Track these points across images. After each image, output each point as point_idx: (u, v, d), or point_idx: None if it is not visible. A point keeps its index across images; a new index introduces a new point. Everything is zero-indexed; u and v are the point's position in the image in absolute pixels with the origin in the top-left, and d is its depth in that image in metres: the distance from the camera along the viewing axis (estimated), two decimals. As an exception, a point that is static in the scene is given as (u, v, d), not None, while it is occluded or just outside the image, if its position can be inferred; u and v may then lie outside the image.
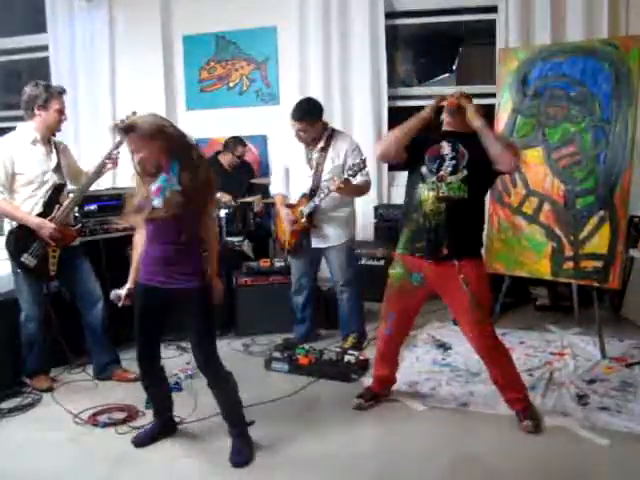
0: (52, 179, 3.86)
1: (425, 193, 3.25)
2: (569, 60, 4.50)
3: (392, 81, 6.37)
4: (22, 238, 3.79)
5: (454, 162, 3.23)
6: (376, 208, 6.11)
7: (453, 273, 3.23)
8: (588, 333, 4.62)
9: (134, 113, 3.89)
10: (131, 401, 3.71)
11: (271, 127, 6.34)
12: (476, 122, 3.19)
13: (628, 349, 4.43)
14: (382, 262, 5.66)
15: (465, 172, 3.22)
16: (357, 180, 4.29)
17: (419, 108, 6.37)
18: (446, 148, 3.28)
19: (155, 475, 3.03)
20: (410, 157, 3.36)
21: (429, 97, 6.41)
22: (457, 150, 3.25)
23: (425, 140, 3.35)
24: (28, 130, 3.84)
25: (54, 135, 3.96)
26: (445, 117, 3.35)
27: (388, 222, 5.99)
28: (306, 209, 4.35)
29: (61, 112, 3.89)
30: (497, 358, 3.38)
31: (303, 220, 4.39)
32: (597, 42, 4.69)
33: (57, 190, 3.87)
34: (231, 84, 6.72)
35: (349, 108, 6.24)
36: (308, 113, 4.36)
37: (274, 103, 6.55)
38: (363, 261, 5.73)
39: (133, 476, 3.02)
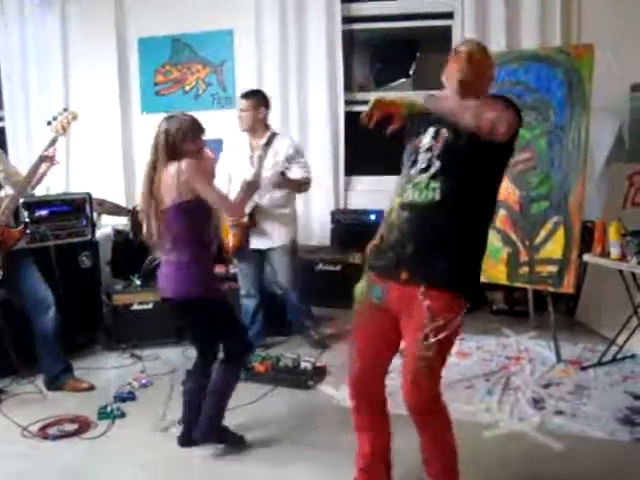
0: None
1: (393, 200, 2.50)
2: (524, 67, 4.54)
3: (349, 86, 6.37)
4: None
5: (428, 154, 2.39)
6: (333, 213, 6.10)
7: (416, 296, 2.32)
8: (544, 337, 4.66)
9: (65, 110, 3.89)
10: (83, 412, 3.61)
11: (227, 131, 6.26)
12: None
13: (582, 352, 4.48)
14: (339, 267, 5.65)
15: (437, 164, 2.35)
16: (295, 174, 4.33)
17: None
18: (427, 137, 2.44)
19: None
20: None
21: (386, 102, 6.45)
22: (435, 136, 2.41)
23: (412, 129, 2.56)
24: None
25: None
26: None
27: (345, 227, 5.97)
28: (247, 208, 4.25)
29: None
30: (432, 428, 2.50)
31: (244, 220, 4.34)
32: (550, 50, 4.75)
33: None
34: (187, 88, 6.63)
35: (306, 113, 6.21)
36: (255, 93, 4.51)
37: (230, 107, 6.45)
38: (320, 267, 5.70)
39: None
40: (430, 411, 2.44)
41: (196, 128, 3.04)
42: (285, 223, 4.50)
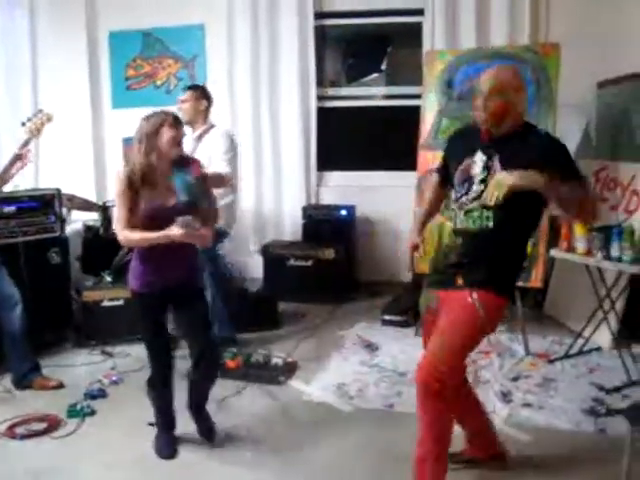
0: None
1: (447, 224, 2.80)
2: (492, 64, 4.55)
3: (321, 81, 6.37)
4: None
5: (482, 186, 2.54)
6: (304, 209, 6.11)
7: (465, 297, 2.54)
8: (513, 330, 4.72)
9: (40, 111, 3.84)
10: (53, 410, 3.56)
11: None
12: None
13: (550, 345, 4.55)
14: (310, 263, 5.67)
15: (480, 200, 2.54)
16: (212, 169, 4.09)
17: (348, 108, 6.46)
18: (478, 164, 2.60)
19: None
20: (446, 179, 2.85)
21: (358, 97, 6.48)
22: (489, 166, 2.56)
23: (457, 152, 2.73)
24: None
25: None
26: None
27: (316, 223, 5.99)
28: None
29: None
30: (435, 407, 2.57)
31: None
32: (519, 48, 4.81)
33: None
34: (158, 82, 6.59)
35: (277, 108, 6.21)
36: (197, 87, 4.59)
37: (202, 102, 6.46)
38: (291, 262, 5.71)
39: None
40: (438, 380, 2.50)
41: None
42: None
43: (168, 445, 3.18)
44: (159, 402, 3.21)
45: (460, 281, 2.60)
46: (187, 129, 4.23)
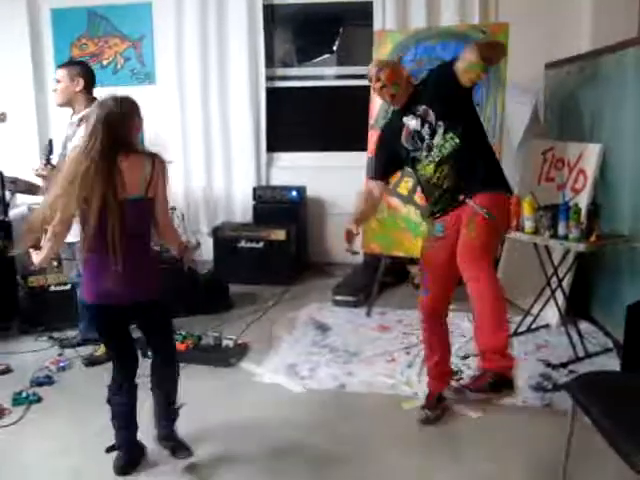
0: None
1: (428, 170, 3.13)
2: (441, 44, 4.59)
3: (271, 61, 6.31)
4: None
5: (427, 125, 3.12)
6: (255, 190, 6.06)
7: (468, 206, 3.02)
8: (462, 310, 4.75)
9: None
10: (-5, 398, 3.49)
11: (147, 107, 6.09)
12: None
13: (499, 323, 4.60)
14: (261, 244, 5.64)
15: (441, 123, 3.09)
16: None
17: (298, 89, 6.40)
18: (411, 121, 3.17)
19: (23, 477, 2.88)
20: (397, 159, 3.31)
21: (308, 77, 6.43)
22: (419, 115, 3.14)
23: (392, 132, 3.29)
24: None
25: None
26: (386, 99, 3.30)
27: (267, 204, 5.96)
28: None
29: None
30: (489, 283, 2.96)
31: None
32: (468, 27, 4.82)
33: None
34: (104, 62, 6.44)
35: (226, 88, 6.12)
36: (73, 63, 4.15)
37: (150, 82, 6.34)
38: (242, 244, 5.67)
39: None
40: (481, 268, 2.94)
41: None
42: None
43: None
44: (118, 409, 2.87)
45: (462, 197, 3.04)
46: (67, 111, 4.01)
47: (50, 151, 3.88)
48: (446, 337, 3.40)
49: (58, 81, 3.92)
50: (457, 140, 3.06)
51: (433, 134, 3.10)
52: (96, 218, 2.53)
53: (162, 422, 2.94)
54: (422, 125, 3.13)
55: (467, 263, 2.98)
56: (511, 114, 5.08)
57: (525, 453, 2.96)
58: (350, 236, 3.16)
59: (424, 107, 3.13)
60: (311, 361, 4.00)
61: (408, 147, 3.19)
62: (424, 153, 3.14)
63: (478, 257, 2.96)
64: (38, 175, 3.83)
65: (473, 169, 3.07)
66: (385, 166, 3.39)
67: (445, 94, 3.10)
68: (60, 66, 4.04)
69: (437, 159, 3.10)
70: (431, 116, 3.11)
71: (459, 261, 3.00)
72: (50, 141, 3.91)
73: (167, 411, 2.93)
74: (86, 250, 2.67)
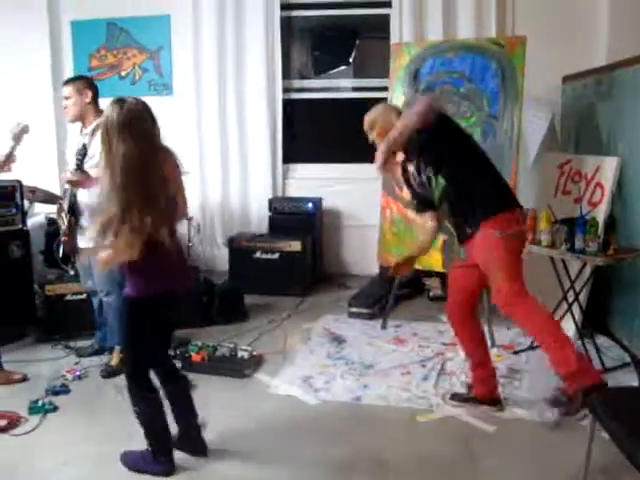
0: None
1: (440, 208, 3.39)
2: (459, 57, 4.60)
3: (287, 73, 6.34)
4: None
5: (423, 173, 3.33)
6: (270, 201, 6.08)
7: (478, 237, 3.20)
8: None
9: (19, 124, 3.80)
10: (14, 407, 3.49)
11: (164, 118, 6.15)
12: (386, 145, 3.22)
13: (515, 337, 4.57)
14: (276, 255, 5.65)
15: (430, 169, 3.28)
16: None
17: (314, 100, 6.44)
18: (409, 170, 3.42)
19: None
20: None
21: (325, 89, 6.46)
22: (415, 162, 3.35)
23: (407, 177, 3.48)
24: None
25: None
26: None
27: (283, 215, 5.97)
28: (65, 202, 4.02)
29: None
30: (523, 316, 3.19)
31: (64, 215, 4.02)
32: (485, 41, 4.82)
33: None
34: (123, 73, 6.50)
35: (243, 99, 6.17)
36: (78, 78, 4.16)
37: (167, 94, 6.40)
38: (257, 255, 5.69)
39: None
40: (511, 304, 3.15)
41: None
42: None
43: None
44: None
45: (469, 231, 3.23)
46: (78, 126, 4.09)
47: (83, 156, 3.93)
48: (474, 340, 3.51)
49: (67, 97, 3.97)
50: (443, 181, 3.23)
51: (429, 180, 3.30)
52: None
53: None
54: (419, 174, 3.34)
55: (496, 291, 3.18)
56: (528, 127, 5.07)
57: (543, 468, 2.92)
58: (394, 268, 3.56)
59: (414, 155, 3.34)
60: (326, 373, 4.00)
61: (420, 192, 3.43)
62: (418, 202, 3.47)
63: (506, 279, 3.14)
64: (69, 181, 3.86)
65: (468, 203, 3.22)
66: (422, 204, 3.51)
67: (424, 143, 3.22)
68: (65, 83, 4.07)
69: (438, 202, 3.33)
70: (422, 166, 3.31)
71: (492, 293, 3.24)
72: (84, 145, 3.96)
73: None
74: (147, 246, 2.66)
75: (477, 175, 3.25)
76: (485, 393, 3.48)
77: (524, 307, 3.15)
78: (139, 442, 2.92)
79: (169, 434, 2.93)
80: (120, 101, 2.74)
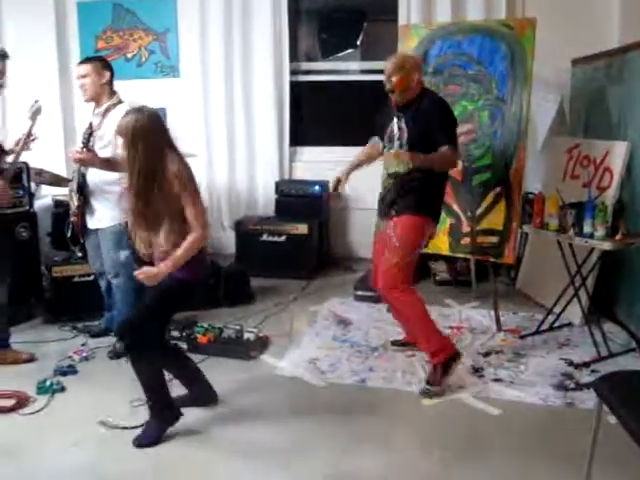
0: None
1: (386, 171, 3.70)
2: (468, 39, 4.56)
3: (295, 55, 6.31)
4: None
5: (398, 141, 3.56)
6: (277, 184, 6.07)
7: (389, 223, 3.63)
8: (485, 307, 4.75)
9: (36, 101, 3.82)
10: (22, 387, 3.51)
11: (171, 100, 6.17)
12: (417, 164, 3.44)
13: (522, 321, 4.58)
14: (283, 238, 5.65)
15: (406, 148, 3.50)
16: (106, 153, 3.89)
17: (322, 83, 6.40)
18: (395, 126, 3.61)
19: (44, 466, 2.89)
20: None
21: (333, 72, 6.43)
22: (400, 128, 3.56)
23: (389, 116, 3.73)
24: None
25: None
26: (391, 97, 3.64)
27: (289, 198, 5.95)
28: (74, 183, 4.05)
29: (2, 75, 3.74)
30: (395, 305, 3.74)
31: (74, 196, 4.05)
32: (494, 23, 4.77)
33: None
34: (129, 55, 6.47)
35: (250, 82, 6.13)
36: (95, 58, 4.16)
37: (174, 75, 6.37)
38: (264, 237, 5.69)
39: (20, 468, 2.87)
40: (391, 293, 3.62)
41: None
42: (117, 202, 3.85)
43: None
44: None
45: (392, 212, 3.61)
46: (88, 107, 4.11)
47: (90, 135, 3.95)
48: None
49: (84, 76, 3.95)
50: (409, 166, 3.47)
51: (399, 149, 3.55)
52: None
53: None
54: (398, 138, 3.58)
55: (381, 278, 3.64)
56: (536, 111, 5.03)
57: (548, 452, 2.93)
58: (338, 182, 3.94)
59: (404, 124, 3.55)
60: (332, 355, 4.01)
61: (385, 142, 3.73)
62: (388, 150, 3.66)
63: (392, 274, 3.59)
64: (76, 159, 3.87)
65: (411, 193, 3.54)
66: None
67: (422, 132, 3.48)
68: (83, 62, 4.07)
69: (391, 171, 3.61)
70: (404, 136, 3.54)
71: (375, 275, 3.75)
72: (90, 124, 3.97)
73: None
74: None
75: (434, 178, 3.58)
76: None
77: (404, 299, 3.63)
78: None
79: (168, 389, 3.12)
80: (142, 110, 2.96)
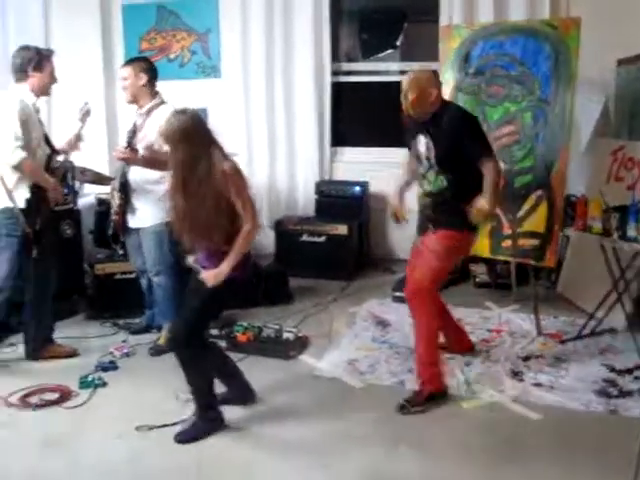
0: (43, 144, 3.82)
1: (420, 189, 3.67)
2: (510, 40, 4.51)
3: (336, 56, 6.31)
4: (36, 203, 3.71)
5: (427, 160, 3.47)
6: (317, 184, 6.08)
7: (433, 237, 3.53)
8: (525, 310, 4.70)
9: (86, 103, 3.92)
10: (65, 381, 3.60)
11: (212, 100, 6.22)
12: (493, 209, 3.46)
13: (563, 326, 4.51)
14: (323, 238, 5.66)
15: (437, 167, 3.43)
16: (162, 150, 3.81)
17: (363, 84, 6.39)
18: (421, 144, 3.50)
19: (89, 458, 2.96)
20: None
21: (373, 73, 6.42)
22: (428, 146, 3.46)
23: (409, 138, 3.62)
24: (25, 92, 3.71)
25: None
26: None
27: (329, 198, 5.96)
28: (117, 182, 4.11)
29: (53, 74, 3.82)
30: (414, 312, 3.57)
31: (115, 194, 4.12)
32: (538, 23, 4.71)
33: (49, 157, 3.84)
34: (172, 56, 6.55)
35: (291, 82, 6.15)
36: (136, 60, 4.22)
37: (215, 76, 6.42)
38: (304, 237, 5.70)
39: (66, 459, 2.94)
40: (415, 298, 3.52)
41: None
42: (159, 202, 3.91)
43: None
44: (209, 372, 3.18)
45: (430, 228, 3.54)
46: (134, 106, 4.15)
47: (133, 133, 4.03)
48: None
49: (125, 78, 4.05)
50: (445, 184, 3.44)
51: (429, 168, 3.47)
52: None
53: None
54: (426, 157, 3.49)
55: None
56: (581, 111, 4.96)
57: (592, 459, 2.89)
58: (397, 214, 3.77)
59: (431, 142, 3.45)
60: (371, 357, 4.01)
61: (415, 160, 3.61)
62: (422, 172, 3.55)
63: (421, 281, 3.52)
64: (119, 158, 3.95)
65: (447, 209, 3.48)
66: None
67: (449, 149, 3.39)
68: (126, 64, 4.16)
69: (426, 190, 3.56)
70: (432, 154, 3.44)
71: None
72: (134, 123, 4.06)
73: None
74: None
75: (470, 192, 3.42)
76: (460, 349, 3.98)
77: (426, 307, 3.51)
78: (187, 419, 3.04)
79: (214, 391, 3.16)
80: (184, 112, 3.00)
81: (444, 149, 3.40)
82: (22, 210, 3.67)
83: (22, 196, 3.69)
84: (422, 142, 3.49)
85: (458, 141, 3.35)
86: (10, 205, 3.67)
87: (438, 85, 3.51)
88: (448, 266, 3.62)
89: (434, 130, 3.43)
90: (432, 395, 3.40)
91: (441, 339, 3.95)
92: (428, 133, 3.46)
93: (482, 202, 3.31)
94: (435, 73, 3.62)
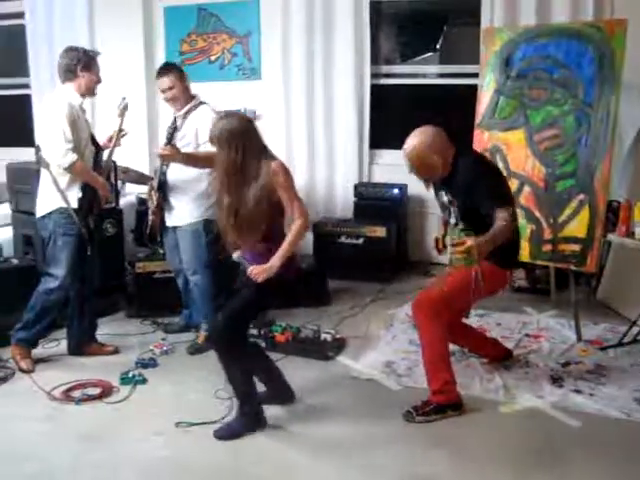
0: (90, 144, 3.89)
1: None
2: (553, 42, 4.46)
3: (375, 58, 6.31)
4: (88, 202, 3.81)
5: (454, 214, 3.41)
6: (356, 186, 6.08)
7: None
8: (564, 316, 4.64)
9: (124, 99, 3.96)
10: (106, 377, 3.67)
11: (252, 102, 6.27)
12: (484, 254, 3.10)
13: (603, 332, 4.45)
14: (361, 241, 5.66)
15: (461, 225, 3.35)
16: (199, 150, 3.96)
17: (402, 86, 6.38)
18: (444, 197, 3.46)
19: (129, 452, 3.01)
20: None
21: (412, 75, 6.41)
22: (450, 200, 3.41)
23: (435, 188, 3.57)
24: (72, 93, 3.79)
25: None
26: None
27: (368, 201, 5.96)
28: (155, 181, 4.16)
29: (99, 74, 3.90)
30: (420, 334, 3.50)
31: (154, 194, 4.15)
32: (581, 24, 4.65)
33: (96, 156, 3.92)
34: (212, 58, 6.62)
35: (331, 85, 6.17)
36: (168, 67, 4.17)
37: (256, 78, 6.47)
38: (342, 239, 5.72)
39: (106, 453, 2.99)
40: (420, 312, 3.45)
41: None
42: (196, 200, 4.04)
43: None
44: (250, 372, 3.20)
45: None
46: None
47: (174, 130, 4.09)
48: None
49: (171, 87, 4.03)
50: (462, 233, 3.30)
51: (455, 225, 3.39)
52: None
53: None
54: (450, 211, 3.43)
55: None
56: (624, 114, 4.88)
57: (633, 469, 2.85)
58: (437, 242, 3.62)
59: (452, 199, 3.40)
60: (408, 359, 4.00)
61: (442, 211, 3.58)
62: (451, 222, 3.46)
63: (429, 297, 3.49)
64: (160, 155, 3.99)
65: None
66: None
67: (467, 205, 3.30)
68: (164, 74, 4.06)
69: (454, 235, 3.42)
70: (455, 208, 3.38)
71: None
72: (174, 120, 4.12)
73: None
74: None
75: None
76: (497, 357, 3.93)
77: (431, 326, 3.40)
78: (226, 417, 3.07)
79: (255, 389, 3.18)
80: (232, 114, 3.13)
81: (462, 202, 3.33)
82: (75, 210, 3.76)
83: (74, 196, 3.77)
84: (444, 198, 3.45)
85: (471, 197, 3.24)
86: (64, 205, 3.75)
87: (443, 147, 3.37)
88: (466, 295, 3.41)
89: (451, 187, 3.39)
90: (441, 406, 3.29)
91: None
92: (448, 189, 3.41)
93: (474, 239, 2.99)
94: (428, 139, 3.35)
